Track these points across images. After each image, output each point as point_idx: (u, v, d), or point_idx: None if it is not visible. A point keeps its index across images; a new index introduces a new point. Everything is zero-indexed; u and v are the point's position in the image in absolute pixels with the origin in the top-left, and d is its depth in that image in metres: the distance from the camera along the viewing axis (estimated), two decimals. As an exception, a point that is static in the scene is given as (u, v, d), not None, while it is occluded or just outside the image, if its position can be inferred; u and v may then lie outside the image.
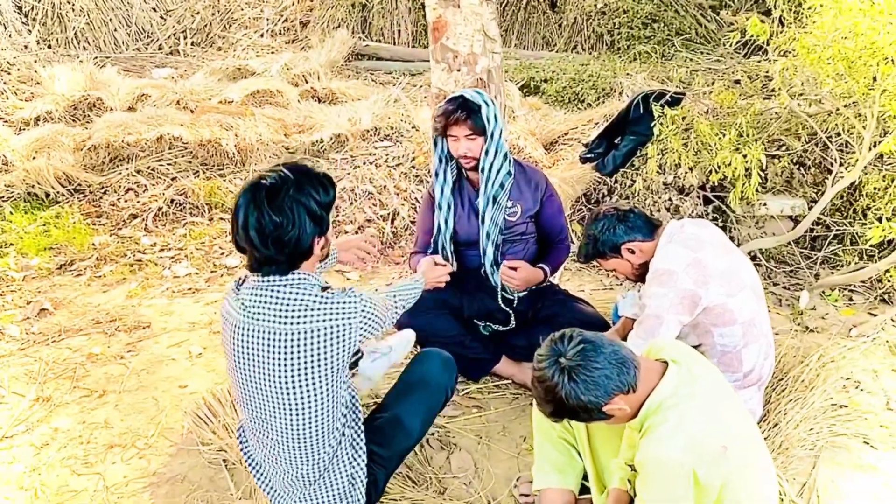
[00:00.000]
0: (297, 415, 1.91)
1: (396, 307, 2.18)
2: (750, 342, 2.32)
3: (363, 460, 2.08)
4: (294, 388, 1.87)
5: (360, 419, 2.09)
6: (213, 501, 2.34)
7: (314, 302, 1.85)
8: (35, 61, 7.41)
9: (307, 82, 7.16)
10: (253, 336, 1.87)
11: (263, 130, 5.38)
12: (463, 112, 2.69)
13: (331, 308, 1.85)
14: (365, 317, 1.91)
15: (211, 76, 7.52)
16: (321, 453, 1.99)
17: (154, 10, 9.89)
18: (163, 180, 4.73)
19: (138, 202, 4.49)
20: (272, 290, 1.85)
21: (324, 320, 1.84)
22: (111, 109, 6.12)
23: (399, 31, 8.90)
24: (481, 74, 3.27)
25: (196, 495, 2.36)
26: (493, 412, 2.72)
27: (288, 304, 1.84)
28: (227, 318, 1.94)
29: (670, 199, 4.00)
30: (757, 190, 3.67)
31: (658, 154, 3.99)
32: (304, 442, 1.96)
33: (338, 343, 1.87)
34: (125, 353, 3.12)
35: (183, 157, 4.98)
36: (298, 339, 1.83)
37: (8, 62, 7.09)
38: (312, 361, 1.85)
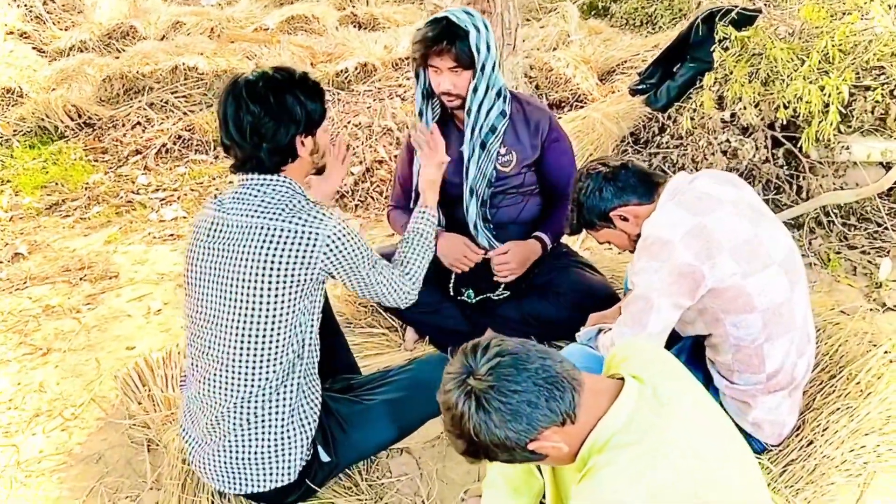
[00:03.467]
0: (241, 324, 1.68)
1: (384, 274, 1.85)
2: (775, 335, 1.74)
3: (308, 427, 1.78)
4: (244, 289, 1.67)
5: (315, 379, 1.83)
6: (123, 488, 2.05)
7: (288, 203, 1.71)
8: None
9: (355, 7, 6.65)
10: (218, 230, 1.73)
11: (287, 59, 4.97)
12: (446, 39, 2.15)
13: (301, 214, 1.68)
14: (334, 241, 1.68)
15: (256, 3, 7.15)
16: (255, 387, 1.71)
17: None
18: (174, 114, 4.44)
19: (143, 138, 4.21)
20: (250, 189, 1.74)
21: (290, 221, 1.67)
22: (144, 38, 5.88)
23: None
24: (481, -13, 2.68)
25: (107, 480, 2.08)
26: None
27: (261, 200, 1.71)
28: (199, 223, 1.79)
29: (728, 141, 3.30)
30: (839, 130, 2.94)
31: (715, 84, 3.28)
32: (240, 362, 1.69)
33: (297, 252, 1.65)
34: (82, 307, 2.86)
35: (198, 88, 4.66)
36: (259, 234, 1.67)
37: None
38: (267, 262, 1.65)
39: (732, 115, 3.26)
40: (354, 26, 5.97)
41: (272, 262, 1.64)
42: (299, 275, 1.66)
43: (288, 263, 1.65)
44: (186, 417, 1.85)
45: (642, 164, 1.96)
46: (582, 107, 4.34)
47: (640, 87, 3.99)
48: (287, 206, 1.70)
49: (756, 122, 3.13)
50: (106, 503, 2.00)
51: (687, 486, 1.21)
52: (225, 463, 1.76)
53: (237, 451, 1.74)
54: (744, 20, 3.55)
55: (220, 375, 1.72)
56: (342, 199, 3.59)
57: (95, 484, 2.06)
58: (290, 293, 1.67)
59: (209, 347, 1.74)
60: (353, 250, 1.73)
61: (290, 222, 1.67)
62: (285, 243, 1.65)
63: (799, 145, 3.10)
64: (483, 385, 1.23)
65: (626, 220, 1.88)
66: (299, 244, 1.65)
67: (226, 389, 1.71)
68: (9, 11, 6.23)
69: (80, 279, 3.04)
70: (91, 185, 3.79)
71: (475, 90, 2.23)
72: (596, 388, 1.31)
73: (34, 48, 5.75)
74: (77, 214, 3.57)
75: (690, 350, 2.00)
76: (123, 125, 4.37)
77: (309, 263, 1.66)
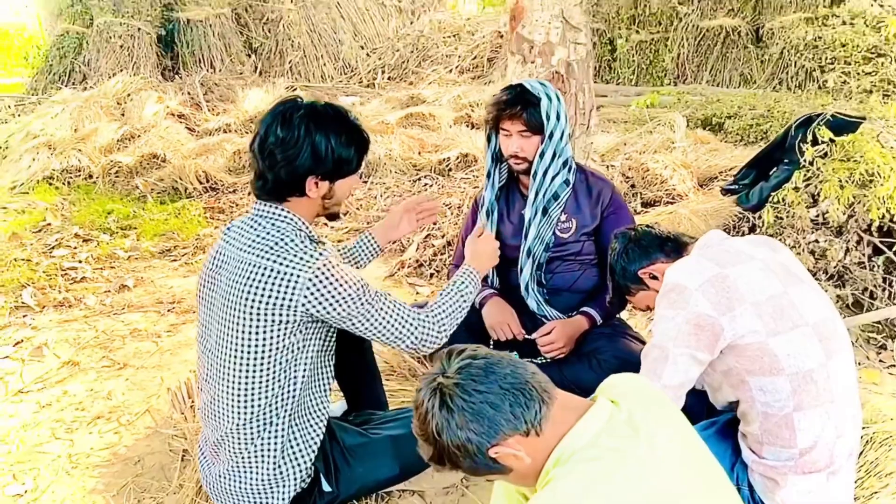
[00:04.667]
0: (230, 354, 1.70)
1: (391, 312, 1.76)
2: (806, 405, 1.60)
3: (304, 461, 1.79)
4: (232, 320, 1.68)
5: (317, 413, 1.83)
6: (151, 490, 2.15)
7: (282, 239, 1.68)
8: (241, 86, 8.20)
9: (473, 111, 7.07)
10: (221, 259, 1.75)
11: (396, 147, 5.33)
12: (518, 104, 2.26)
13: (289, 254, 1.65)
14: (315, 284, 1.63)
15: (386, 104, 7.76)
16: (246, 416, 1.73)
17: (361, 47, 10.59)
18: (288, 185, 4.85)
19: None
20: (256, 218, 1.73)
21: (276, 262, 1.64)
22: (279, 125, 6.53)
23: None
24: (558, 67, 2.82)
25: (138, 480, 2.19)
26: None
27: (258, 234, 1.70)
28: (211, 250, 1.84)
29: (817, 241, 3.14)
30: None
31: (808, 184, 3.18)
32: (232, 390, 1.72)
33: (277, 292, 1.63)
34: (163, 333, 3.11)
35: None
36: (247, 271, 1.66)
37: (214, 83, 7.94)
38: (249, 299, 1.65)
39: (823, 215, 3.12)
40: (467, 126, 6.33)
41: (254, 300, 1.64)
42: (280, 315, 1.65)
43: (268, 303, 1.64)
44: (203, 433, 1.93)
45: (669, 231, 1.94)
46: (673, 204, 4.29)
47: (732, 186, 3.93)
48: (280, 242, 1.67)
49: (842, 221, 2.98)
50: (132, 500, 2.11)
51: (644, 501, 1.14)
52: (227, 486, 1.81)
53: (235, 478, 1.78)
54: (843, 126, 3.46)
55: (219, 400, 1.77)
56: (420, 268, 3.71)
57: (126, 481, 2.18)
58: (271, 331, 1.67)
59: (209, 370, 1.80)
60: (339, 292, 1.65)
61: (276, 262, 1.64)
62: (266, 283, 1.64)
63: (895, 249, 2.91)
64: (449, 383, 1.24)
65: (655, 278, 1.85)
66: (279, 285, 1.63)
67: (223, 414, 1.76)
68: (174, 97, 7.17)
69: (169, 310, 3.31)
70: (201, 237, 4.17)
71: (542, 155, 2.30)
72: (567, 405, 1.28)
73: (187, 127, 6.53)
74: (183, 259, 3.93)
75: (723, 424, 1.88)
76: (242, 190, 4.82)
77: (289, 305, 1.64)
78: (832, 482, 1.69)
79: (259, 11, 9.85)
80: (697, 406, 1.96)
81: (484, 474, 1.30)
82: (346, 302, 1.67)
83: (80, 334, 3.13)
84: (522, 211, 2.44)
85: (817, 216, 3.16)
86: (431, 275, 3.65)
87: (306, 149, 1.65)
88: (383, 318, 1.73)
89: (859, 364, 2.70)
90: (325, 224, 4.21)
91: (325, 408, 1.86)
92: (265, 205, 1.73)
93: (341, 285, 1.66)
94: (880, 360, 2.81)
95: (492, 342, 2.42)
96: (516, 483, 1.32)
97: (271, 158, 1.66)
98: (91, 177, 5.33)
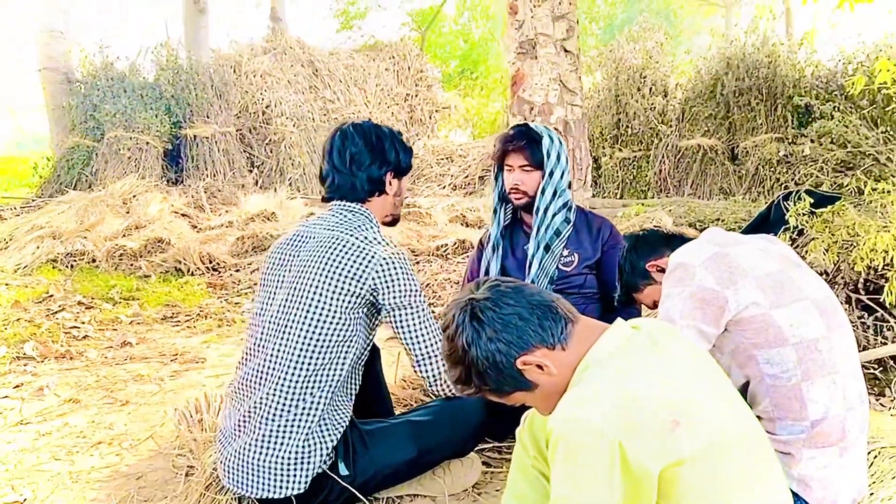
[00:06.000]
0: (293, 318, 1.82)
1: (432, 326, 1.91)
2: (813, 374, 1.66)
3: (330, 441, 1.82)
4: (305, 288, 1.82)
5: (347, 401, 1.91)
6: (152, 498, 2.09)
7: (360, 224, 1.90)
8: (243, 193, 8.51)
9: (465, 217, 7.36)
10: (299, 239, 1.92)
11: (396, 235, 5.52)
12: (522, 139, 2.46)
13: (368, 234, 1.87)
14: (388, 263, 1.81)
15: (382, 210, 8.08)
16: (288, 379, 1.79)
17: (358, 167, 11.12)
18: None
19: (258, 277, 4.71)
20: (336, 213, 1.94)
21: (356, 237, 1.85)
22: (277, 220, 6.75)
23: (569, 181, 9.00)
24: (556, 125, 3.07)
25: (141, 491, 2.14)
26: (498, 471, 2.19)
27: (340, 220, 1.91)
28: (283, 237, 2.01)
29: (807, 296, 3.26)
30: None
31: (790, 243, 3.35)
32: (283, 352, 1.81)
33: (352, 264, 1.80)
34: (166, 377, 3.10)
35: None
36: (328, 242, 1.84)
37: (217, 188, 8.25)
38: (327, 267, 1.81)
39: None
40: (463, 224, 6.58)
41: (332, 267, 1.81)
42: (350, 285, 1.79)
43: (344, 271, 1.80)
44: (225, 410, 1.95)
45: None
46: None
47: (721, 260, 4.09)
48: (361, 226, 1.90)
49: (830, 277, 3.12)
50: (134, 508, 2.05)
51: (660, 405, 1.19)
52: (245, 464, 1.81)
53: (261, 450, 1.79)
54: (823, 199, 3.69)
55: (270, 361, 1.83)
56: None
57: (126, 493, 2.12)
58: (339, 299, 1.80)
59: (265, 335, 1.87)
60: (404, 278, 1.83)
61: (357, 238, 1.85)
62: (345, 254, 1.82)
63: (882, 299, 3.03)
64: (480, 297, 1.32)
65: (662, 271, 1.95)
66: (357, 257, 1.81)
67: (270, 374, 1.82)
68: (178, 199, 7.42)
69: (172, 360, 3.31)
70: (204, 306, 4.22)
71: (543, 192, 2.47)
72: (590, 326, 1.35)
73: (191, 225, 6.73)
74: (186, 324, 3.96)
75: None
76: (243, 269, 4.93)
77: (361, 277, 1.80)
78: (846, 458, 1.71)
79: (262, 133, 10.41)
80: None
81: (509, 392, 1.34)
82: (406, 293, 1.84)
83: (81, 379, 3.11)
84: (525, 247, 2.57)
85: (805, 272, 3.30)
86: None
87: (382, 151, 1.96)
88: (425, 329, 1.89)
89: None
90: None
91: (351, 402, 1.93)
92: (343, 203, 1.95)
93: (406, 276, 1.85)
94: (881, 405, 2.84)
95: None
96: (541, 405, 1.36)
97: (357, 162, 1.94)
98: (94, 260, 5.43)
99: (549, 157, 2.44)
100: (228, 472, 1.85)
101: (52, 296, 4.47)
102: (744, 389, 1.80)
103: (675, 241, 1.99)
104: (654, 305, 2.07)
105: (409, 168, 2.05)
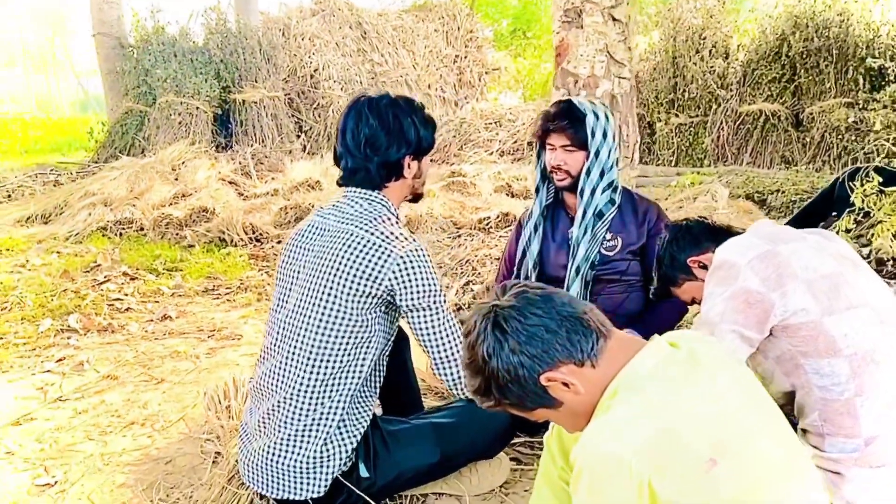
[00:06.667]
0: (311, 316, 1.73)
1: (451, 325, 1.79)
2: (870, 390, 1.50)
3: (350, 443, 1.76)
4: (320, 285, 1.72)
5: (369, 401, 1.83)
6: (181, 486, 2.09)
7: (378, 217, 1.77)
8: (290, 160, 8.52)
9: (510, 187, 7.19)
10: (315, 231, 1.82)
11: (437, 207, 5.42)
12: (564, 118, 2.30)
13: (385, 229, 1.73)
14: (405, 262, 1.69)
15: (428, 179, 7.97)
16: (310, 380, 1.73)
17: (406, 131, 11.01)
18: (331, 238, 4.94)
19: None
20: (350, 200, 1.81)
21: (372, 233, 1.72)
22: (324, 190, 6.72)
23: (621, 148, 8.69)
24: (602, 99, 2.89)
25: (168, 478, 2.14)
26: (529, 468, 2.11)
27: (355, 211, 1.78)
28: (300, 226, 1.90)
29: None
30: None
31: (854, 226, 3.13)
32: (302, 352, 1.73)
33: (368, 262, 1.69)
34: (202, 355, 3.11)
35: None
36: (343, 238, 1.73)
37: (265, 155, 8.27)
38: (342, 266, 1.70)
39: (877, 254, 3.05)
40: (507, 195, 6.43)
41: (346, 268, 1.70)
42: (365, 286, 1.69)
43: (358, 271, 1.69)
44: (248, 405, 1.91)
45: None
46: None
47: (778, 240, 3.86)
48: (378, 218, 1.76)
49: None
50: (161, 494, 2.05)
51: (699, 441, 1.07)
52: (264, 465, 1.76)
53: (280, 452, 1.74)
54: (893, 177, 3.42)
55: (288, 362, 1.76)
56: (459, 311, 3.68)
57: (154, 478, 2.13)
58: (355, 300, 1.70)
59: (281, 334, 1.80)
60: (422, 278, 1.71)
61: (372, 234, 1.71)
62: (361, 251, 1.70)
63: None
64: (505, 305, 1.21)
65: (705, 268, 1.80)
66: (372, 256, 1.69)
67: (291, 375, 1.75)
68: (226, 165, 7.47)
69: (209, 336, 3.32)
70: (245, 279, 4.23)
71: (588, 173, 2.32)
72: (625, 342, 1.23)
73: (237, 192, 6.77)
74: (226, 297, 3.98)
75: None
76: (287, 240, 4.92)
77: (377, 277, 1.69)
78: (908, 481, 1.56)
79: (311, 98, 10.37)
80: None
81: (531, 409, 1.24)
82: (423, 293, 1.72)
83: (120, 354, 3.14)
84: (567, 230, 2.44)
85: (867, 257, 3.08)
86: (469, 317, 3.61)
87: (399, 132, 1.78)
88: (444, 331, 1.77)
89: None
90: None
91: (374, 400, 1.87)
92: (358, 190, 1.81)
93: (425, 275, 1.72)
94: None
95: None
96: (566, 423, 1.26)
97: (370, 147, 1.76)
98: (142, 229, 5.51)
99: (594, 135, 2.29)
100: (249, 471, 1.81)
101: (99, 265, 4.55)
102: (790, 397, 1.66)
103: (721, 234, 1.83)
104: (693, 302, 1.93)
105: (431, 146, 1.88)
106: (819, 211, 3.74)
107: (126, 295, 3.94)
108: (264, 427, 1.78)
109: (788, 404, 1.68)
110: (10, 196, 7.33)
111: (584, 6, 2.83)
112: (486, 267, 4.16)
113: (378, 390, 1.89)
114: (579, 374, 1.18)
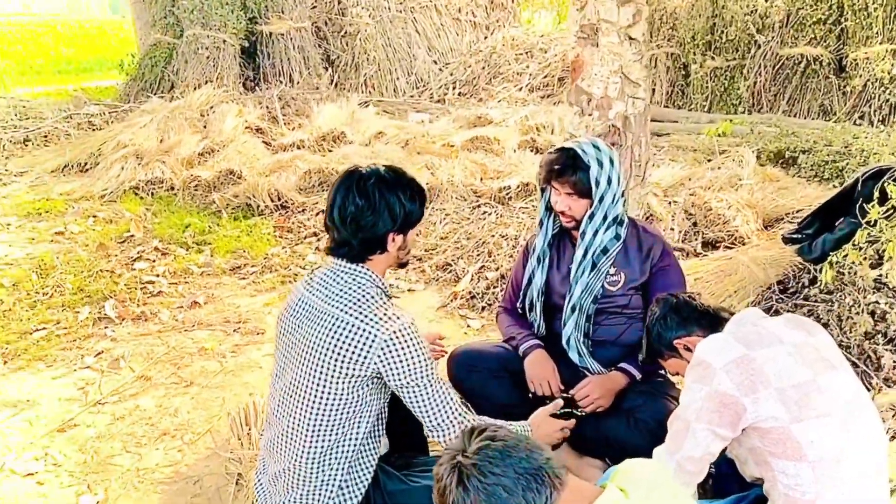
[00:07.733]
0: (302, 395, 1.85)
1: (460, 412, 1.91)
2: (830, 489, 1.62)
3: (355, 498, 1.92)
4: (309, 366, 1.84)
5: (369, 460, 1.96)
6: (206, 510, 2.33)
7: (363, 295, 1.84)
8: (316, 100, 8.49)
9: (539, 133, 7.12)
10: (303, 307, 1.90)
11: (458, 173, 5.45)
12: (568, 168, 2.31)
13: (370, 311, 1.81)
14: (390, 345, 1.77)
15: (454, 123, 7.90)
16: (307, 453, 1.88)
17: (434, 62, 10.79)
18: (353, 207, 5.05)
19: (322, 223, 4.82)
20: (336, 274, 1.89)
21: (356, 317, 1.80)
22: (350, 143, 6.76)
23: (654, 89, 8.45)
24: (615, 121, 2.88)
25: (195, 500, 2.38)
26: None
27: (341, 289, 1.86)
28: (292, 296, 2.00)
29: (877, 302, 3.08)
30: None
31: (868, 241, 3.12)
32: (297, 427, 1.87)
33: (354, 347, 1.78)
34: (227, 353, 3.32)
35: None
36: (329, 322, 1.81)
37: (291, 97, 8.27)
38: (328, 350, 1.80)
39: (887, 275, 3.06)
40: (531, 150, 6.39)
41: (332, 352, 1.79)
42: (352, 369, 1.79)
43: (344, 356, 1.79)
44: (261, 460, 2.09)
45: (714, 303, 1.98)
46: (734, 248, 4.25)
47: (795, 236, 3.86)
48: (361, 298, 1.83)
49: (904, 285, 2.91)
50: (189, 519, 2.30)
51: None
52: None
53: None
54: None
55: (286, 435, 1.92)
56: (472, 300, 3.81)
57: (183, 500, 2.37)
58: (342, 382, 1.81)
59: (280, 407, 1.95)
60: (408, 357, 1.79)
61: (357, 318, 1.79)
62: (346, 337, 1.79)
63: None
64: (468, 462, 1.33)
65: (689, 350, 1.89)
66: (357, 341, 1.78)
67: (289, 448, 1.91)
68: (253, 111, 7.50)
69: (234, 330, 3.53)
70: (269, 256, 4.40)
71: (591, 217, 2.36)
72: (577, 491, 1.34)
73: (263, 142, 6.84)
74: (251, 278, 4.17)
75: (752, 500, 1.90)
76: (310, 210, 5.04)
77: (363, 362, 1.79)
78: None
79: (338, 25, 10.16)
80: (731, 472, 1.99)
81: None
82: (410, 371, 1.81)
83: (153, 349, 3.37)
84: (571, 264, 2.50)
85: (880, 276, 3.09)
86: (483, 307, 3.74)
87: (385, 211, 1.85)
88: (435, 402, 1.87)
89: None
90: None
91: (376, 455, 2.00)
92: (345, 263, 1.89)
93: (411, 354, 1.80)
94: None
95: (531, 394, 2.49)
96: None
97: (355, 225, 1.84)
98: (173, 188, 5.68)
99: (598, 185, 2.31)
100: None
101: (132, 236, 4.75)
102: (760, 481, 1.78)
103: (707, 319, 1.91)
104: (677, 374, 2.03)
105: (418, 220, 1.94)
106: (839, 207, 3.70)
107: (157, 276, 4.15)
108: (275, 486, 1.97)
109: (760, 480, 1.81)
110: (46, 138, 7.53)
111: (599, 24, 2.77)
112: (502, 249, 4.26)
113: (380, 442, 2.04)
114: None
